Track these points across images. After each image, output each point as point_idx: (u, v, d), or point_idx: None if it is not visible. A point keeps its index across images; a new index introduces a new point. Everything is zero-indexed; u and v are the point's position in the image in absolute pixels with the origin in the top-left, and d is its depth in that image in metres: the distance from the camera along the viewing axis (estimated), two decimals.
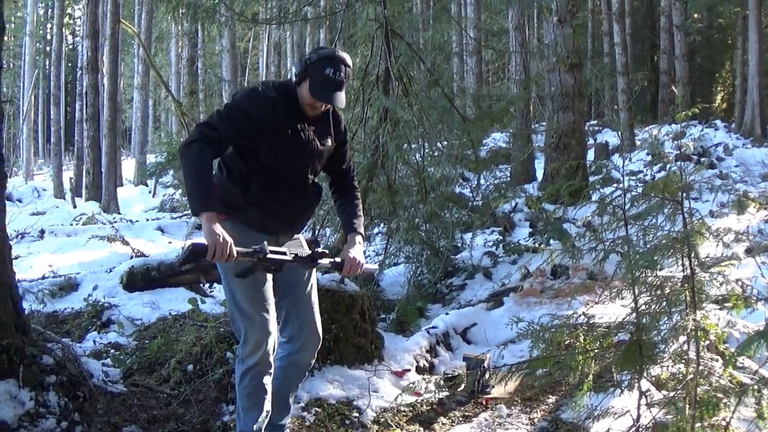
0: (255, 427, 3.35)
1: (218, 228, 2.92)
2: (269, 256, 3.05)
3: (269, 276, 3.32)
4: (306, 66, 3.23)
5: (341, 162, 3.60)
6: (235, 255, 2.96)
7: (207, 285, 7.57)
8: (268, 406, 3.39)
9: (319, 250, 3.28)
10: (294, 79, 3.31)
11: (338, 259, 3.37)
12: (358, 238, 3.47)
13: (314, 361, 3.63)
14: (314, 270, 3.53)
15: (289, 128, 3.25)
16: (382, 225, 7.97)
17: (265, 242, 3.06)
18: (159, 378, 4.74)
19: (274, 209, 3.26)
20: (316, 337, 3.53)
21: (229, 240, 2.93)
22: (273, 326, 3.32)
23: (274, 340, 3.34)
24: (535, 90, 15.37)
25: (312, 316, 3.50)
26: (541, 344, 3.82)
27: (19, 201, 20.10)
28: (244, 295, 3.26)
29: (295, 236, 3.38)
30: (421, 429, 4.25)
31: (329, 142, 3.44)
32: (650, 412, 3.21)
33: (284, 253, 3.15)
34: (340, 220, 3.64)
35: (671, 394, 3.20)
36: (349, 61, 3.30)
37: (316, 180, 3.52)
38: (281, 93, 3.28)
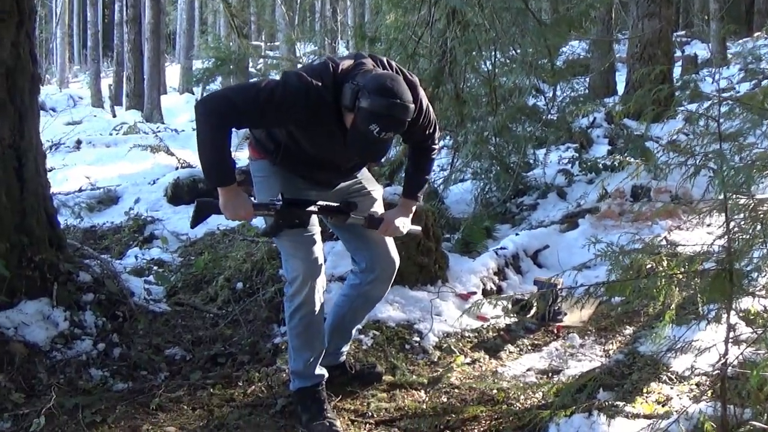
0: (306, 366, 3.33)
1: (237, 198, 2.98)
2: (289, 208, 3.04)
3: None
4: (354, 102, 2.86)
5: (412, 139, 3.36)
6: (252, 211, 2.99)
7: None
8: (321, 345, 3.37)
9: (352, 200, 3.21)
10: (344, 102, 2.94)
11: (377, 213, 3.31)
12: (412, 206, 3.40)
13: (386, 293, 3.59)
14: (379, 196, 3.47)
15: (330, 133, 3.02)
16: (448, 137, 7.83)
17: (281, 193, 3.01)
18: (205, 297, 4.77)
19: (308, 167, 3.21)
20: (391, 267, 3.47)
21: (248, 201, 2.99)
22: (320, 265, 3.26)
23: (322, 280, 3.29)
24: None
25: (385, 247, 3.44)
26: (619, 269, 3.70)
27: (53, 110, 20.13)
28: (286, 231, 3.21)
29: (356, 178, 3.32)
30: (487, 356, 4.21)
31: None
32: (738, 348, 3.08)
33: (309, 203, 3.09)
34: (404, 181, 3.50)
35: (762, 330, 3.06)
36: (409, 112, 2.88)
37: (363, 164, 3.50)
38: (330, 91, 2.93)
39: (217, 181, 2.97)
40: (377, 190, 3.48)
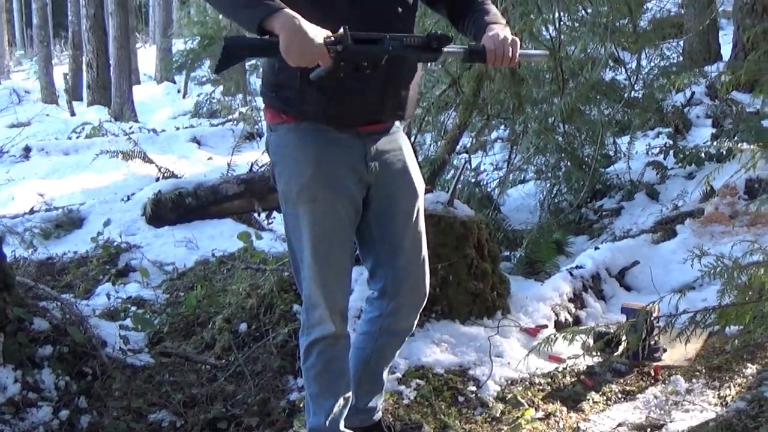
0: (329, 420, 3.27)
1: (302, 24, 2.69)
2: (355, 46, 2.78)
3: (353, 210, 3.19)
4: None
5: None
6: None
7: (263, 214, 7.63)
8: (346, 390, 3.33)
9: (440, 33, 2.97)
10: None
11: (477, 44, 3.10)
12: (498, 26, 3.17)
13: (417, 322, 3.56)
14: (422, 192, 3.43)
15: None
16: (502, 127, 7.86)
17: (345, 26, 2.77)
18: (199, 343, 4.79)
19: (347, 83, 2.95)
20: (420, 291, 3.42)
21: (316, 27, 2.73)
22: (346, 287, 3.26)
23: (346, 305, 3.28)
24: None
25: (414, 262, 3.37)
26: (734, 289, 3.69)
27: None
28: (313, 239, 3.12)
29: (393, 131, 3.28)
30: (564, 409, 4.19)
31: None
32: None
33: (377, 41, 2.88)
34: (471, 30, 3.30)
35: None
36: None
37: (413, 21, 3.28)
38: None
39: (264, 8, 2.72)
40: (420, 181, 3.45)
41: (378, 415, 3.67)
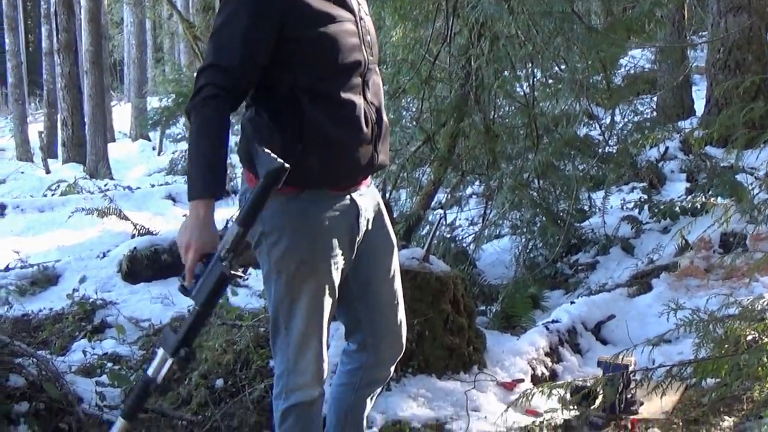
0: None
1: (206, 225, 2.80)
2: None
3: (343, 277, 3.17)
4: None
5: None
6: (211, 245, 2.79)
7: (239, 270, 7.61)
8: None
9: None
10: None
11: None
12: None
13: (393, 374, 3.58)
14: (396, 247, 3.41)
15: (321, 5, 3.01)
16: (477, 183, 7.90)
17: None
18: (176, 399, 4.77)
19: (344, 136, 3.02)
20: (399, 344, 3.43)
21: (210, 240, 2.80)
22: (326, 351, 3.26)
23: (326, 367, 3.29)
24: None
25: (393, 317, 3.39)
26: (710, 342, 3.71)
27: None
28: (309, 311, 3.09)
29: (370, 185, 3.29)
30: None
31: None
32: None
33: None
34: None
35: None
36: None
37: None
38: None
39: (202, 188, 2.86)
40: (393, 236, 3.47)
41: None
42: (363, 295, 3.31)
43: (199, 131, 2.87)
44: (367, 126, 3.03)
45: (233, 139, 3.22)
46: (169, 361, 2.75)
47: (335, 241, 3.06)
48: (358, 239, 3.15)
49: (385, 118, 3.17)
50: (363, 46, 3.07)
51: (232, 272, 2.72)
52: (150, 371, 2.78)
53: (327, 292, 3.08)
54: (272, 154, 2.67)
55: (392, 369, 3.50)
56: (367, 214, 3.18)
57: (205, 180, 2.84)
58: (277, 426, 3.28)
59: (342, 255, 3.10)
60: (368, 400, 3.55)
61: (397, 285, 3.39)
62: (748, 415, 4.44)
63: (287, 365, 3.16)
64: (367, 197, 3.20)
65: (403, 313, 3.42)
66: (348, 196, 3.10)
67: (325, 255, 3.03)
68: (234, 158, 3.74)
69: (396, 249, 3.39)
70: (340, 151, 3.01)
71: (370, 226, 3.22)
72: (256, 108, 3.05)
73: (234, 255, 2.71)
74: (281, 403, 3.21)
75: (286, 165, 2.65)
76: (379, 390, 3.60)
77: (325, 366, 3.22)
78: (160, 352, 2.77)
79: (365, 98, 3.06)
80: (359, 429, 3.58)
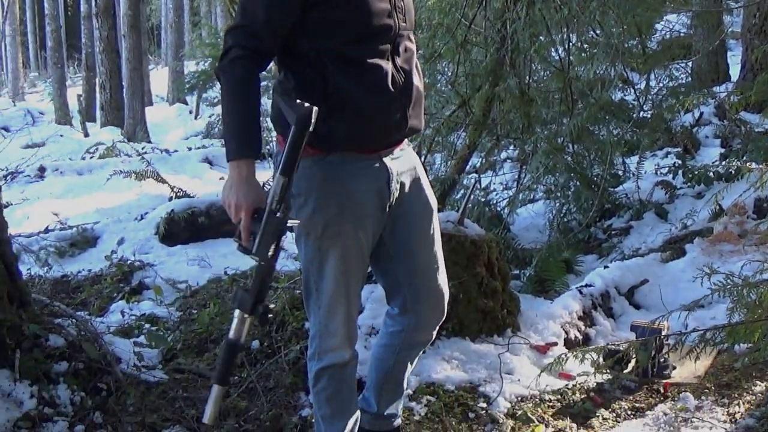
0: None
1: (251, 182, 2.86)
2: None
3: (372, 239, 3.19)
4: None
5: None
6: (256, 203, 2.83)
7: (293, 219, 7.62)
8: (356, 409, 3.39)
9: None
10: None
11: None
12: None
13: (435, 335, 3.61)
14: (436, 209, 3.41)
15: None
16: (512, 147, 7.87)
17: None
18: (212, 360, 4.79)
19: (369, 101, 3.02)
20: (440, 307, 3.46)
21: (257, 196, 2.85)
22: (356, 313, 3.30)
23: (356, 330, 3.32)
24: None
25: (434, 281, 3.41)
26: (743, 307, 3.71)
27: (6, 130, 20.12)
28: (337, 273, 3.13)
29: (406, 149, 3.29)
30: (574, 425, 4.21)
31: None
32: None
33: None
34: None
35: None
36: None
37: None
38: None
39: (236, 149, 2.91)
40: (433, 198, 3.47)
41: (398, 421, 3.71)
42: (401, 259, 3.33)
43: (230, 92, 2.92)
44: (395, 91, 3.03)
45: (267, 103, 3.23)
46: (248, 320, 2.84)
47: (362, 204, 3.08)
48: (389, 203, 3.15)
49: (417, 83, 3.16)
50: (395, 12, 3.05)
51: (288, 221, 2.79)
52: (231, 334, 2.86)
53: (354, 254, 3.11)
54: (299, 100, 2.74)
55: (434, 333, 3.53)
56: (401, 178, 3.18)
57: (241, 139, 2.89)
58: (311, 386, 3.35)
59: (371, 218, 3.12)
60: (409, 363, 3.59)
61: (438, 249, 3.40)
62: None
63: (319, 327, 3.21)
64: (402, 161, 3.21)
65: (444, 277, 3.45)
66: (378, 160, 3.11)
67: (352, 217, 3.05)
68: (268, 122, 3.76)
69: (435, 213, 3.40)
70: (364, 115, 3.01)
71: (406, 190, 3.23)
72: (284, 72, 3.08)
73: (284, 205, 2.76)
74: (315, 364, 3.27)
75: (314, 108, 2.71)
76: (420, 353, 3.64)
77: (354, 327, 3.27)
78: (237, 313, 2.85)
79: (394, 64, 3.05)
80: (398, 390, 3.63)
